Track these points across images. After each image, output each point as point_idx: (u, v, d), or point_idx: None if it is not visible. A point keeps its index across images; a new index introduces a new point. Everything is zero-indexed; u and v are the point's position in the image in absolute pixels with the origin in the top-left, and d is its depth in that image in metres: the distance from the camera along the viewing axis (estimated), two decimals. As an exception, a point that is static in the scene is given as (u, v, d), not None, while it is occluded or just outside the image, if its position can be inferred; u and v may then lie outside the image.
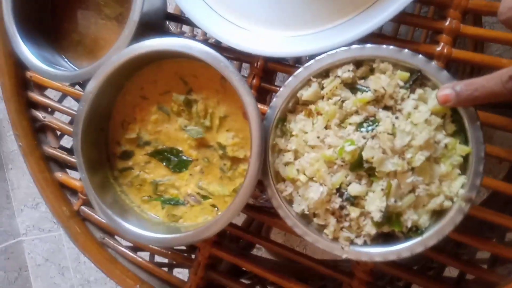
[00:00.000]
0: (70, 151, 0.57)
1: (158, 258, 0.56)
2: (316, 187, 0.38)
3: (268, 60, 0.47)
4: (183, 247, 0.56)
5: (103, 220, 0.53)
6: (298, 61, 0.63)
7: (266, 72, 0.48)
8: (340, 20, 0.43)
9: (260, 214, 0.47)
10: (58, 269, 1.43)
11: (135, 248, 0.54)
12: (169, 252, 0.52)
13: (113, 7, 0.48)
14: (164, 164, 0.45)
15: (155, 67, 0.43)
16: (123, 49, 0.41)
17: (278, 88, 0.41)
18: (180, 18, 0.53)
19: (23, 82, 0.56)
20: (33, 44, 0.47)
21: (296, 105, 0.41)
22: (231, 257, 0.49)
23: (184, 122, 0.43)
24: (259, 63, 0.47)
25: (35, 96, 0.56)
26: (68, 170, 0.58)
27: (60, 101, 0.60)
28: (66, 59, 0.50)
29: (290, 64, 0.48)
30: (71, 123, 0.57)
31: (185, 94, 0.43)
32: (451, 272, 0.52)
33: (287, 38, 0.45)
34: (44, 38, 0.50)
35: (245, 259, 0.49)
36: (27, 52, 0.46)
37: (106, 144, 0.46)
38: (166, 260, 0.55)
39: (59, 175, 0.56)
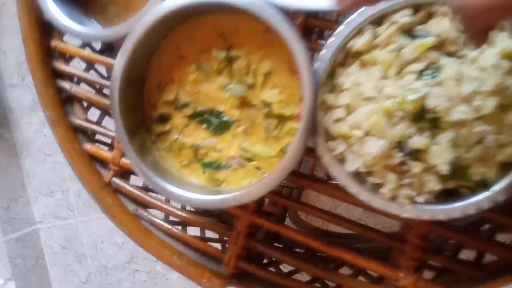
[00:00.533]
0: (97, 124, 0.55)
1: (191, 231, 0.54)
2: (374, 141, 0.35)
3: (308, 15, 0.45)
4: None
5: (147, 184, 0.50)
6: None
7: (307, 30, 0.45)
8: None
9: (301, 179, 0.45)
10: (75, 256, 1.42)
11: (170, 221, 0.52)
12: (207, 222, 0.50)
13: None
14: (204, 126, 0.43)
15: (193, 23, 0.41)
16: (158, 4, 0.39)
17: (322, 44, 0.39)
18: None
19: (48, 52, 0.53)
20: (62, 5, 0.45)
21: (345, 58, 0.38)
22: (273, 225, 0.47)
23: (225, 80, 0.41)
24: (299, 20, 0.45)
25: (61, 66, 0.54)
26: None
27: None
28: (96, 22, 0.47)
29: (333, 20, 0.45)
30: (98, 93, 0.55)
31: (225, 51, 0.41)
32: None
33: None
34: (72, 1, 0.47)
35: (287, 227, 0.47)
36: (57, 13, 0.43)
37: (142, 108, 0.44)
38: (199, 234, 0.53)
39: (88, 146, 0.54)
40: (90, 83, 0.54)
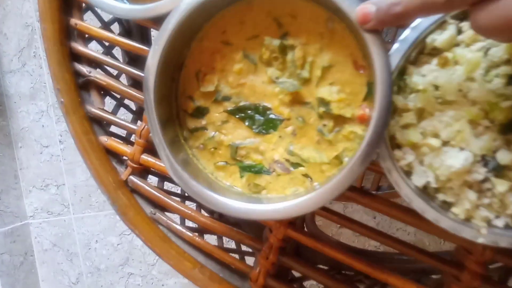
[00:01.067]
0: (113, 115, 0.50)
1: (212, 241, 0.48)
2: (455, 153, 0.30)
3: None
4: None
5: (177, 184, 0.45)
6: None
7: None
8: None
9: (349, 191, 0.40)
10: (66, 255, 1.35)
11: (191, 228, 0.46)
12: (234, 232, 0.44)
13: None
14: (247, 123, 0.37)
15: (243, 5, 0.36)
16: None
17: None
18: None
19: (66, 31, 0.48)
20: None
21: (419, 55, 0.34)
22: (309, 240, 0.42)
23: (275, 73, 0.36)
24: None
25: (80, 47, 0.48)
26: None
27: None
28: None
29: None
30: (117, 78, 0.50)
31: (279, 38, 0.36)
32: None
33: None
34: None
35: (325, 243, 0.42)
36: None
37: (175, 98, 0.39)
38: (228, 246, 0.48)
39: (104, 139, 0.48)
40: (109, 68, 0.49)
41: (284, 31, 0.36)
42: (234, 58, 0.37)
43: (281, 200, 0.36)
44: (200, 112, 0.38)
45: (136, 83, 0.50)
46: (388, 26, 0.28)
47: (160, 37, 0.35)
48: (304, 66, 0.35)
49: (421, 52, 0.33)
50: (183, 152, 0.38)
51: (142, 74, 0.45)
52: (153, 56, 0.35)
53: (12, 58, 1.35)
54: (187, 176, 0.34)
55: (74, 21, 0.48)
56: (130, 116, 0.60)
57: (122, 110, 0.57)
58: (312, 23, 0.34)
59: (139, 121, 0.50)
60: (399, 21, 0.27)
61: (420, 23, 0.32)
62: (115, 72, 0.52)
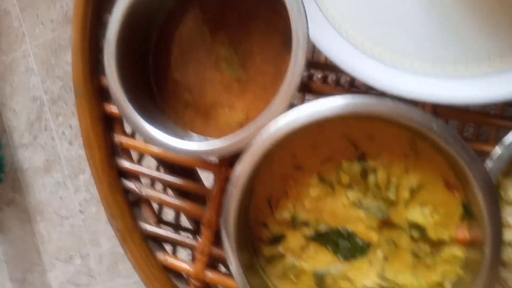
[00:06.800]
0: (164, 223, 0.47)
1: None
2: None
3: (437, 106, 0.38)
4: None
5: None
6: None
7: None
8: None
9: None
10: (98, 327, 1.31)
11: None
12: None
13: (234, 68, 0.38)
14: (330, 249, 0.35)
15: (314, 129, 0.34)
16: (278, 115, 0.32)
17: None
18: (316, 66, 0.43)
19: (112, 151, 0.46)
20: (140, 108, 0.38)
21: (510, 166, 0.32)
22: None
23: (357, 195, 0.34)
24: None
25: (127, 165, 0.46)
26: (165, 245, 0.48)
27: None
28: (175, 124, 0.40)
29: (466, 109, 0.39)
30: (164, 188, 0.48)
31: (356, 161, 0.34)
32: None
33: (463, 80, 0.36)
34: (149, 100, 0.40)
35: None
36: (142, 123, 0.36)
37: (248, 226, 0.36)
38: None
39: (162, 257, 0.46)
40: (163, 182, 0.46)
41: (361, 152, 0.34)
42: (309, 182, 0.35)
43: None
44: (277, 240, 0.36)
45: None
46: None
47: (242, 169, 0.32)
48: (389, 188, 0.33)
49: (514, 164, 0.32)
50: (260, 280, 0.36)
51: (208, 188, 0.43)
52: (236, 185, 0.32)
53: (23, 132, 1.33)
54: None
55: (119, 139, 0.46)
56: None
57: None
58: (394, 143, 0.33)
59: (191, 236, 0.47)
60: None
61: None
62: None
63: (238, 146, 0.33)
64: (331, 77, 0.41)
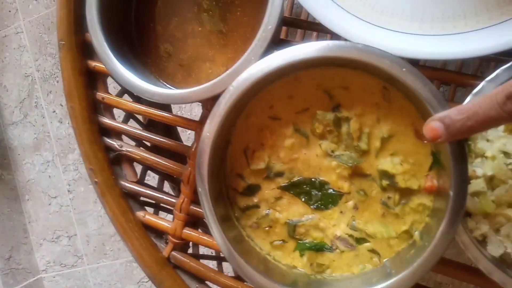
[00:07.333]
0: (146, 185, 0.47)
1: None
2: (540, 224, 0.29)
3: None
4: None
5: (233, 268, 0.43)
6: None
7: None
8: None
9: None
10: (83, 307, 1.31)
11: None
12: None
13: (216, 20, 0.39)
14: (303, 199, 0.36)
15: (291, 80, 0.34)
16: (254, 62, 0.33)
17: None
18: (296, 23, 0.44)
19: (93, 106, 0.46)
20: (122, 58, 0.38)
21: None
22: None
23: (330, 146, 0.34)
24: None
25: (108, 121, 0.46)
26: (147, 208, 0.48)
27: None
28: (156, 77, 0.41)
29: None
30: (151, 150, 0.48)
31: (331, 111, 0.34)
32: None
33: (436, 35, 0.37)
34: (130, 51, 0.41)
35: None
36: (121, 69, 0.36)
37: (224, 177, 0.37)
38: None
39: (141, 214, 0.46)
40: (147, 140, 0.46)
41: (336, 102, 0.34)
42: (285, 133, 0.35)
43: (346, 279, 0.34)
44: (251, 190, 0.37)
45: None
46: (457, 139, 0.28)
47: (213, 119, 0.33)
48: (361, 138, 0.34)
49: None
50: (235, 232, 0.36)
51: (187, 145, 0.43)
52: (207, 139, 0.33)
53: (13, 110, 1.33)
54: (243, 261, 0.32)
55: (100, 95, 0.46)
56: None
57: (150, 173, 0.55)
58: (367, 93, 0.33)
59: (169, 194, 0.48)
60: (471, 134, 0.29)
61: (499, 74, 0.31)
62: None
63: (215, 92, 0.33)
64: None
